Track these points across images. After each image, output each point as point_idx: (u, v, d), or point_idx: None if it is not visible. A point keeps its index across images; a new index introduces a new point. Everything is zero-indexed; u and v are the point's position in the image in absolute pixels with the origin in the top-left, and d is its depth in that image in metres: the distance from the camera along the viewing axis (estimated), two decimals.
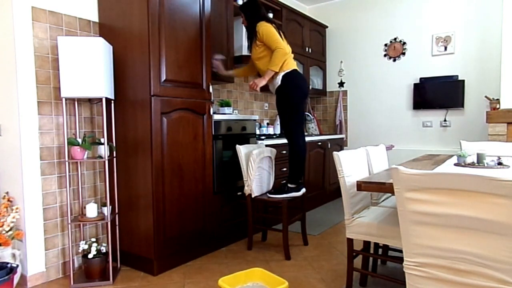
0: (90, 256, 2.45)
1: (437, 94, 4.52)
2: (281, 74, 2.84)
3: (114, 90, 2.65)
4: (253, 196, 2.98)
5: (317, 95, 5.37)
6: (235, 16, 3.63)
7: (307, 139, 4.24)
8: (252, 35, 2.94)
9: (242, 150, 3.03)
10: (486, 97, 4.04)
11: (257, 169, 2.99)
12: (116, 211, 2.72)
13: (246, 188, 3.00)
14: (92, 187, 2.79)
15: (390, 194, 2.54)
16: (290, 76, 2.86)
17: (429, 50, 4.62)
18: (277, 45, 2.78)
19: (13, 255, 2.32)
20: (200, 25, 2.85)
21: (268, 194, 2.99)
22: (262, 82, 2.83)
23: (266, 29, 2.82)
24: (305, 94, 2.98)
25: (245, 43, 3.64)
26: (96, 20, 2.75)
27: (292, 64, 2.89)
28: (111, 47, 2.58)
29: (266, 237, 3.32)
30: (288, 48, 2.86)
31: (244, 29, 3.45)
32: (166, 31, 2.56)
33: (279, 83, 2.86)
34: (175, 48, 2.63)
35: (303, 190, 3.01)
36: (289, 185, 2.95)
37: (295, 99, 2.89)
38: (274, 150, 3.24)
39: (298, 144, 2.91)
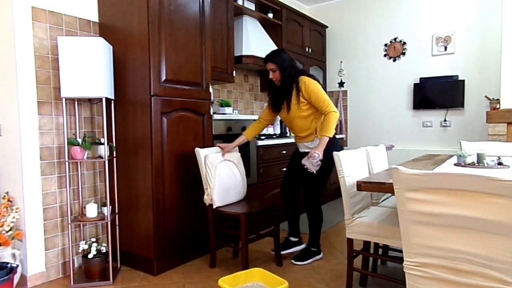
0: (90, 256, 2.45)
1: (437, 94, 4.52)
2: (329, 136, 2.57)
3: (114, 90, 2.65)
4: (214, 206, 2.61)
5: None
6: (235, 16, 3.63)
7: None
8: (288, 92, 2.62)
9: (201, 153, 2.63)
10: (486, 97, 4.04)
11: (218, 176, 2.64)
12: (116, 211, 2.72)
13: (205, 197, 2.63)
14: (92, 187, 2.79)
15: (390, 194, 2.54)
16: (335, 143, 2.65)
17: (429, 50, 4.62)
18: (330, 108, 2.52)
19: (13, 255, 2.32)
20: (200, 25, 2.85)
21: (293, 262, 2.73)
22: (322, 151, 2.49)
23: (314, 87, 2.55)
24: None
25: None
26: (96, 20, 2.75)
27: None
28: (111, 47, 2.57)
29: (238, 254, 2.90)
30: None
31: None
32: (166, 31, 2.56)
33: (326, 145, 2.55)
34: (175, 48, 2.63)
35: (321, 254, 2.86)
36: (312, 248, 2.80)
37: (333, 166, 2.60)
38: (237, 154, 2.87)
39: (321, 209, 2.79)
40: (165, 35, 2.55)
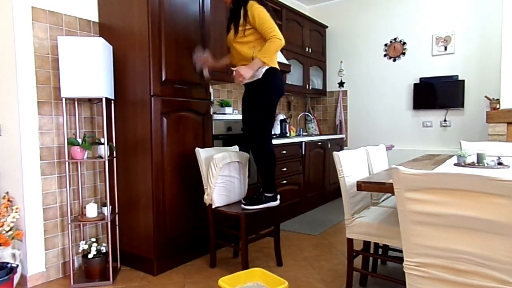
0: (90, 256, 2.45)
1: (437, 94, 4.52)
2: (265, 68, 2.44)
3: (114, 90, 2.65)
4: (213, 206, 2.61)
5: (317, 95, 5.37)
6: None
7: (308, 139, 4.25)
8: (237, 16, 2.47)
9: (201, 153, 2.64)
10: (486, 97, 4.04)
11: (220, 177, 2.61)
12: (116, 211, 2.72)
13: (205, 197, 2.63)
14: (92, 187, 2.79)
15: (390, 194, 2.54)
16: (275, 74, 2.50)
17: (429, 50, 4.62)
18: (274, 34, 2.35)
19: (13, 255, 2.32)
20: (200, 24, 2.85)
21: (242, 206, 2.57)
22: (250, 72, 2.39)
23: (261, 11, 2.39)
24: (281, 96, 2.65)
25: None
26: (96, 20, 2.75)
27: (276, 60, 2.54)
28: (111, 47, 2.57)
29: (238, 254, 2.93)
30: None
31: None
32: (166, 31, 2.56)
33: (260, 76, 2.45)
34: (175, 48, 2.63)
35: (278, 200, 2.67)
36: (266, 194, 2.59)
37: (274, 99, 2.56)
38: (245, 154, 2.83)
39: (270, 149, 2.57)
40: (165, 35, 2.55)
